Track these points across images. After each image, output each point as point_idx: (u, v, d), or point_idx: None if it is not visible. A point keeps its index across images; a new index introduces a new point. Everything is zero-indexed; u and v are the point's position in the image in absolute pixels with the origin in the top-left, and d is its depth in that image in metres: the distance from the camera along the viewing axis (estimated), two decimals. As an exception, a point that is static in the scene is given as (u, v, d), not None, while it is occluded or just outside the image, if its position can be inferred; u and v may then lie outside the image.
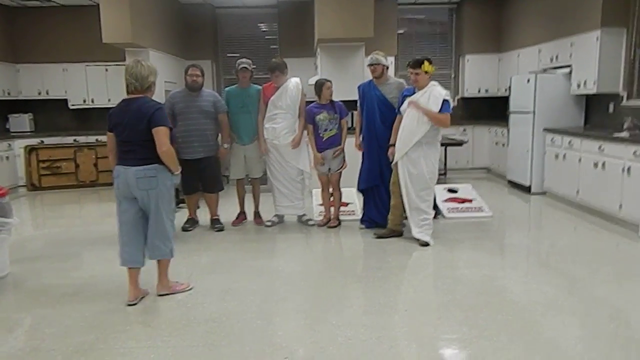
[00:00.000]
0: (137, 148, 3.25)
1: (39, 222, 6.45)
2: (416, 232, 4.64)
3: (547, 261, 4.30)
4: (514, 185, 7.43)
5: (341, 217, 5.46)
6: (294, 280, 3.86)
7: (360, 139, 5.15)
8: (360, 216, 5.37)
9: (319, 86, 5.13)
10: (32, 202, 7.41)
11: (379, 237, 4.85)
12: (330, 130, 5.14)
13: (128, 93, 3.31)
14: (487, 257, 4.29)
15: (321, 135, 5.16)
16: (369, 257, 4.37)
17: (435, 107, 4.44)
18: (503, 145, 7.97)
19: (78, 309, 3.36)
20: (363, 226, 5.23)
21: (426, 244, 4.56)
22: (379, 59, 4.92)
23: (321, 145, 5.17)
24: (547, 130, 6.72)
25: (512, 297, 3.41)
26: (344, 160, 5.26)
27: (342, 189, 5.39)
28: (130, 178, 3.25)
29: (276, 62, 5.26)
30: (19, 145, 8.13)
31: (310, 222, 5.46)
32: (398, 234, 4.86)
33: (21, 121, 8.76)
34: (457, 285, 3.63)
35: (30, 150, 8.05)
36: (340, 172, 5.27)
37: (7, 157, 7.93)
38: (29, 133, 8.63)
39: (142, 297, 3.50)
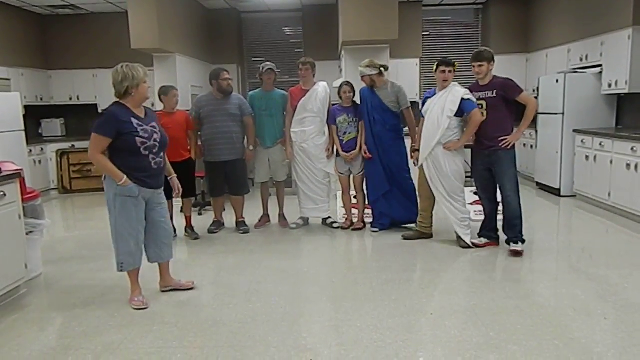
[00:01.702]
0: None
1: (69, 224, 6.61)
2: (459, 230, 4.61)
3: (577, 265, 4.20)
4: (543, 187, 7.29)
5: (367, 220, 5.44)
6: (319, 282, 3.87)
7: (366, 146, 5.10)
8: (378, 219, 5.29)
9: (339, 88, 5.19)
10: (63, 205, 7.60)
11: (407, 238, 4.84)
12: (350, 133, 5.17)
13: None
14: (515, 260, 4.21)
15: (341, 138, 5.20)
16: (395, 259, 4.34)
17: (453, 106, 4.42)
18: (531, 147, 7.84)
19: (107, 309, 3.43)
20: (376, 229, 5.18)
21: (467, 247, 4.54)
22: (362, 71, 4.96)
23: (344, 148, 5.19)
24: (577, 131, 6.57)
25: (542, 302, 3.34)
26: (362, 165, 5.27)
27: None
28: None
29: (308, 59, 5.32)
30: (51, 149, 8.37)
31: (335, 225, 5.47)
32: (427, 236, 4.84)
33: (53, 126, 9.02)
34: (485, 289, 3.58)
35: (61, 154, 8.29)
36: (363, 175, 5.26)
37: (40, 161, 8.16)
38: (60, 137, 8.85)
39: (172, 288, 3.71)
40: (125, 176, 3.22)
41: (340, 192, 5.85)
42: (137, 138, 3.21)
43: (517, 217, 4.33)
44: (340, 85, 5.20)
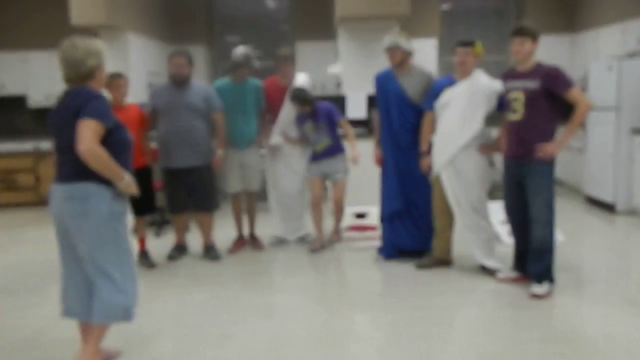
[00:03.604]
0: (67, 158, 3.04)
1: (-10, 249, 6.58)
2: (482, 257, 4.68)
3: (636, 299, 4.24)
4: (594, 202, 7.35)
5: (365, 244, 5.57)
6: (310, 322, 3.89)
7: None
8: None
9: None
10: (-17, 224, 7.57)
11: (422, 267, 4.88)
12: (322, 141, 5.38)
13: (66, 84, 3.17)
14: (558, 293, 4.25)
15: (314, 147, 5.44)
16: (405, 293, 4.37)
17: (492, 97, 4.48)
18: (579, 150, 7.91)
19: (39, 357, 3.42)
20: (381, 256, 5.23)
21: (497, 271, 4.60)
22: (398, 42, 4.81)
23: (316, 157, 5.46)
24: (636, 131, 6.66)
25: (591, 346, 3.38)
26: (347, 172, 5.48)
27: (369, 209, 5.47)
28: (58, 200, 3.06)
29: (287, 51, 5.52)
30: (-33, 153, 8.36)
31: (309, 238, 5.80)
32: (446, 263, 4.89)
33: (-30, 123, 9.00)
34: (520, 330, 3.62)
35: (-20, 159, 8.26)
36: (345, 186, 5.45)
37: (-47, 168, 8.14)
38: (-21, 138, 8.85)
39: None
40: (127, 174, 3.11)
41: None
42: (127, 134, 3.19)
43: (545, 249, 4.18)
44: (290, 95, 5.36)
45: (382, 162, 5.11)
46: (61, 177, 3.06)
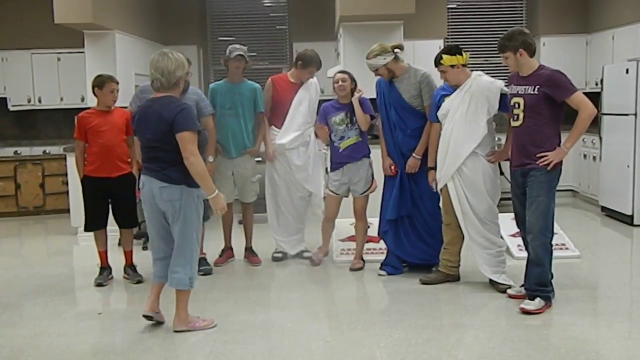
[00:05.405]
0: (161, 154, 3.77)
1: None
2: (491, 273, 4.64)
3: (658, 319, 4.23)
4: (610, 213, 7.33)
5: (371, 257, 5.49)
6: (309, 343, 3.85)
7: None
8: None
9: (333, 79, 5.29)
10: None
11: (427, 282, 4.85)
12: (349, 138, 5.21)
13: (154, 90, 3.85)
14: (574, 312, 4.22)
15: (337, 145, 5.25)
16: (410, 311, 4.33)
17: (494, 101, 4.49)
18: (594, 158, 7.90)
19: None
20: (384, 272, 5.17)
21: (507, 287, 4.55)
22: (373, 64, 4.92)
23: (338, 159, 5.26)
24: (655, 138, 6.66)
25: (610, 369, 3.35)
26: (373, 179, 5.30)
27: (371, 220, 5.41)
28: (155, 187, 3.79)
29: (311, 55, 5.47)
30: (-60, 158, 8.34)
31: (306, 254, 5.67)
32: (453, 278, 4.86)
33: (-55, 127, 8.98)
34: (534, 351, 3.58)
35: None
36: (367, 196, 5.31)
37: None
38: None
39: (158, 322, 4.09)
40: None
41: (337, 220, 5.88)
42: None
43: (538, 263, 4.17)
44: (334, 75, 5.26)
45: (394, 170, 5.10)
46: (153, 170, 3.80)
